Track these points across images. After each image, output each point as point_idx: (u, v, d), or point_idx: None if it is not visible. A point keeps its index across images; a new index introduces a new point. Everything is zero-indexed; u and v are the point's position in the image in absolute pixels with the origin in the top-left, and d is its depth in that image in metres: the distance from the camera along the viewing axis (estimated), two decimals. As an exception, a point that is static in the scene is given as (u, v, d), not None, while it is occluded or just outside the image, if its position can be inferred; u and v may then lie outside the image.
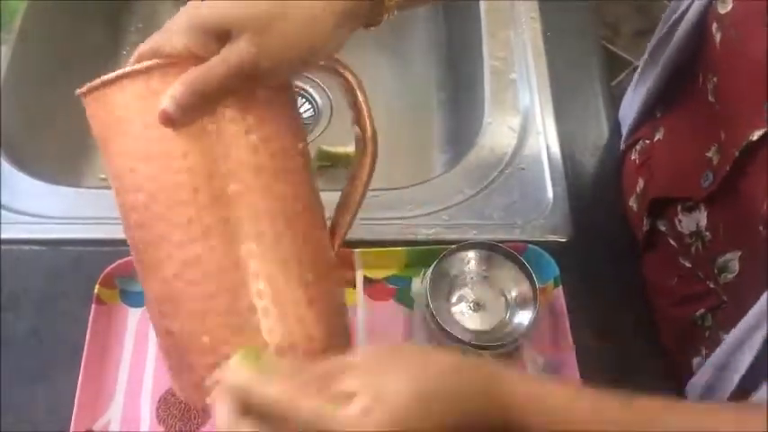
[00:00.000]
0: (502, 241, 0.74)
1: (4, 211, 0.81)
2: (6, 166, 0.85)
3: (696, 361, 0.69)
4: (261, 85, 0.50)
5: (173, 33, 0.48)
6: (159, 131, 0.48)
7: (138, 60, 0.49)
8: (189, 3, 0.49)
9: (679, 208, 0.69)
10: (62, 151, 1.02)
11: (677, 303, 0.71)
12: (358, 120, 0.57)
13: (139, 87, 0.48)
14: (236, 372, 0.45)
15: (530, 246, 0.76)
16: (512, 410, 0.45)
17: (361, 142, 0.58)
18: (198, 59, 0.48)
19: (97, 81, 0.50)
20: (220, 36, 0.47)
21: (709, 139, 0.64)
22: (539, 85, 0.93)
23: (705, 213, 0.65)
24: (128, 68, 0.49)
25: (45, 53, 1.02)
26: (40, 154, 0.96)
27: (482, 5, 1.00)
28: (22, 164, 0.87)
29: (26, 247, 0.79)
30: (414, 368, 0.45)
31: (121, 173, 0.50)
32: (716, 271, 0.65)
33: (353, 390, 0.43)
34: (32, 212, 0.81)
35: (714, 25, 0.61)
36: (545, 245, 0.77)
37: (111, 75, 0.49)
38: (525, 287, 0.72)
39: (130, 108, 0.49)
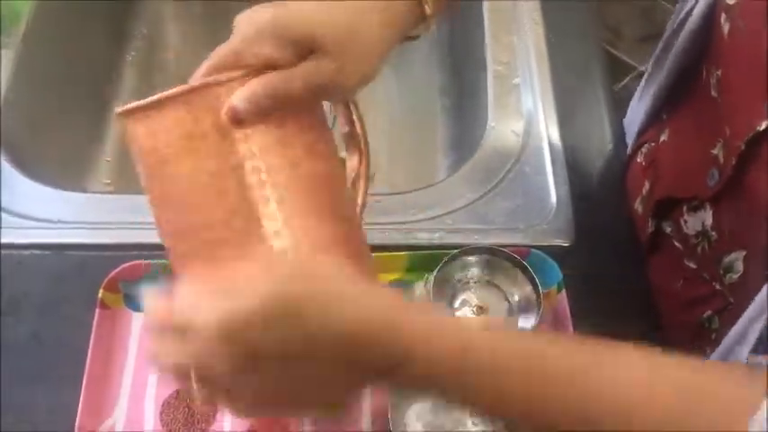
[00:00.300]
0: (505, 246, 0.74)
1: (7, 216, 0.81)
2: (10, 170, 0.85)
3: None
4: (327, 100, 0.52)
5: (254, 39, 0.48)
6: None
7: (212, 67, 0.49)
8: (273, 4, 0.49)
9: (684, 208, 0.69)
10: (66, 156, 1.03)
11: (683, 306, 0.71)
12: (351, 131, 0.57)
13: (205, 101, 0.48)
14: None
15: (533, 250, 0.76)
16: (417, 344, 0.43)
17: (354, 151, 0.58)
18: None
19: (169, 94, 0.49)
20: (304, 48, 0.48)
21: (714, 135, 0.63)
22: (542, 89, 0.93)
23: (711, 212, 0.65)
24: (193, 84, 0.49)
25: (49, 57, 1.02)
26: (44, 158, 0.96)
27: (485, 10, 1.01)
28: (26, 168, 0.87)
29: (29, 252, 0.79)
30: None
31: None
32: (721, 271, 0.65)
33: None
34: (36, 217, 0.81)
35: (723, 16, 0.61)
36: (548, 249, 0.77)
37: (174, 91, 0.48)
38: (528, 292, 0.72)
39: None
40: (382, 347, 0.42)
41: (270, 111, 0.48)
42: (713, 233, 0.65)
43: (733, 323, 0.64)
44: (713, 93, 0.64)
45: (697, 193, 0.66)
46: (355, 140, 0.56)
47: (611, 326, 0.75)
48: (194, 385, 0.43)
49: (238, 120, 0.48)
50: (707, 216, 0.66)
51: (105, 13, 1.17)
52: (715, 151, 0.63)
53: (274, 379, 0.42)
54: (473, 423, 0.68)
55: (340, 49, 0.48)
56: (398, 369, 0.43)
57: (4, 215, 0.81)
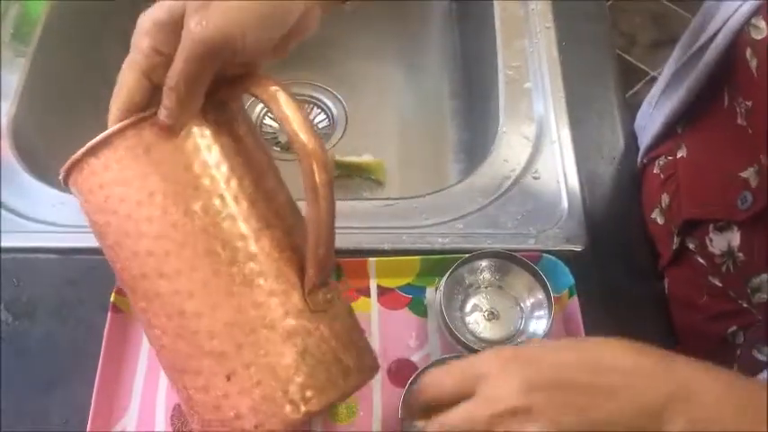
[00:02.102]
0: (516, 250, 0.74)
1: (21, 220, 0.82)
2: (23, 175, 0.86)
3: None
4: (235, 57, 0.48)
5: (136, 44, 0.49)
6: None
7: (119, 108, 0.50)
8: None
9: (711, 227, 0.68)
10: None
11: (708, 320, 0.71)
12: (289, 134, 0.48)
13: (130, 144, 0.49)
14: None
15: (544, 255, 0.75)
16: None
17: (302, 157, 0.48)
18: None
19: (84, 153, 0.51)
20: (175, 22, 0.47)
21: (744, 160, 0.63)
22: (553, 94, 0.92)
23: (738, 234, 0.65)
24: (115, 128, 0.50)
25: (62, 64, 1.03)
26: (57, 163, 0.96)
27: (496, 15, 1.00)
28: (39, 173, 0.87)
29: (42, 256, 0.79)
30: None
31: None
32: (749, 291, 0.64)
33: None
34: (48, 221, 0.82)
35: (748, 51, 0.61)
36: (560, 254, 0.77)
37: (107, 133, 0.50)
38: (540, 296, 0.72)
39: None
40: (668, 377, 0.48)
41: (180, 101, 0.47)
42: (740, 254, 0.65)
43: (759, 340, 0.63)
44: (740, 121, 0.63)
45: (726, 214, 0.66)
46: (298, 153, 0.48)
47: (623, 332, 0.74)
48: None
49: (168, 128, 0.48)
50: (734, 237, 0.65)
51: (118, 19, 1.18)
52: (745, 175, 0.63)
53: None
54: None
55: (200, 6, 0.46)
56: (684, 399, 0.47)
57: (18, 219, 0.82)
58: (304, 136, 0.46)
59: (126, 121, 0.49)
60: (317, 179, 0.47)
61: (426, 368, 0.62)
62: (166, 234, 0.49)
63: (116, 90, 0.50)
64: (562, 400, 0.47)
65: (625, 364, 0.48)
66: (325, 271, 0.51)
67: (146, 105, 0.50)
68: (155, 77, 0.49)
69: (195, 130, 0.50)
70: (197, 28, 0.45)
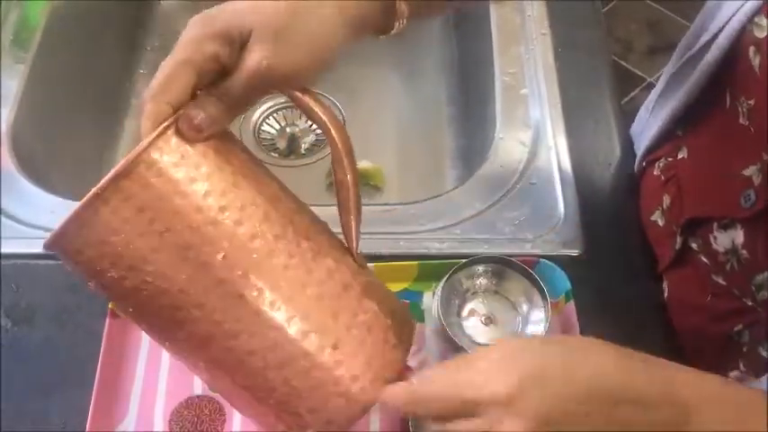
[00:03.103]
0: (513, 255, 0.74)
1: (20, 226, 0.82)
2: (23, 182, 0.86)
3: (734, 375, 0.69)
4: (278, 91, 0.51)
5: (195, 40, 0.48)
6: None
7: (161, 83, 0.48)
8: (197, 16, 0.50)
9: (714, 225, 0.69)
10: (78, 167, 1.04)
11: (711, 320, 0.71)
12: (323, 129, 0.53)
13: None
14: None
15: (541, 260, 0.76)
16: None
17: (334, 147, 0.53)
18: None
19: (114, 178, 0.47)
20: (243, 42, 0.48)
21: (746, 158, 0.63)
22: (549, 100, 0.93)
23: (742, 232, 0.65)
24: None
25: (62, 70, 1.03)
26: (57, 169, 0.97)
27: (493, 22, 1.01)
28: (39, 179, 0.88)
29: (41, 262, 0.79)
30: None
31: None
32: (753, 288, 0.64)
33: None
34: (48, 227, 0.82)
35: (751, 49, 0.61)
36: (556, 259, 0.77)
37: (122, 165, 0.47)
38: (537, 301, 0.72)
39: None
40: (668, 407, 0.47)
41: (225, 112, 0.49)
42: (744, 252, 0.65)
43: (765, 337, 0.64)
44: (742, 120, 0.64)
45: (729, 212, 0.66)
46: (322, 128, 0.53)
47: (620, 336, 0.75)
48: None
49: (200, 131, 0.48)
50: (737, 235, 0.66)
51: (117, 26, 1.19)
52: (748, 173, 0.63)
53: None
54: None
55: (267, 36, 0.48)
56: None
57: (17, 225, 0.82)
58: (327, 112, 0.52)
59: (162, 126, 0.47)
60: (352, 193, 0.53)
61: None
62: (234, 232, 0.49)
63: (161, 84, 0.48)
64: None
65: (627, 395, 0.48)
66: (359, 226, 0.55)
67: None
68: (206, 80, 0.49)
69: (193, 171, 0.48)
70: (263, 62, 0.48)
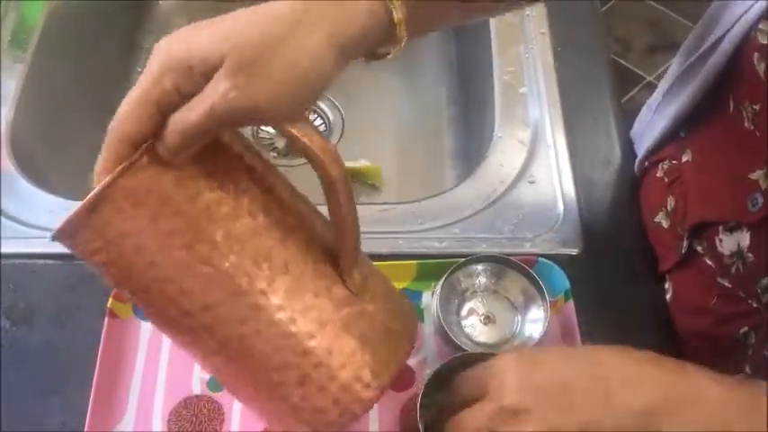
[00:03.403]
0: (512, 254, 0.74)
1: (19, 226, 0.82)
2: (22, 182, 0.86)
3: (739, 377, 0.69)
4: (254, 124, 0.48)
5: (159, 73, 0.44)
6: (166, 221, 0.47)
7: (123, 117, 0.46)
8: (162, 41, 0.46)
9: (720, 228, 0.69)
10: (77, 166, 1.03)
11: (718, 322, 0.71)
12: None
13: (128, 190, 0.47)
14: None
15: (540, 259, 0.76)
16: None
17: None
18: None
19: (79, 213, 0.47)
20: (207, 73, 0.44)
21: (752, 162, 0.63)
22: (549, 99, 0.93)
23: (748, 235, 0.65)
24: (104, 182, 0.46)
25: (60, 69, 1.03)
26: (56, 169, 0.97)
27: (492, 21, 1.01)
28: (38, 179, 0.88)
29: (41, 262, 0.79)
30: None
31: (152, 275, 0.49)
32: (759, 290, 0.64)
33: None
34: (47, 227, 0.82)
35: (755, 55, 0.61)
36: (555, 258, 0.77)
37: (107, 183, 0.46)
38: (536, 300, 0.72)
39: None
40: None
41: (185, 144, 0.45)
42: (750, 255, 0.65)
43: None
44: (747, 125, 0.64)
45: (736, 216, 0.66)
46: (309, 158, 0.48)
47: (619, 336, 0.75)
48: None
49: (164, 161, 0.46)
50: (743, 238, 0.65)
51: (116, 26, 1.18)
52: (755, 176, 0.63)
53: None
54: None
55: (241, 69, 0.43)
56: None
57: (16, 225, 0.82)
58: (313, 138, 0.47)
59: (119, 169, 0.46)
60: (332, 174, 0.47)
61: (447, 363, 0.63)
62: (199, 270, 0.48)
63: (122, 118, 0.46)
64: (560, 402, 0.49)
65: (629, 370, 0.51)
66: (356, 257, 0.52)
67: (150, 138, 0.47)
68: (168, 113, 0.45)
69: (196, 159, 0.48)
70: (229, 94, 0.43)
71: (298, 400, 0.51)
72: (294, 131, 0.46)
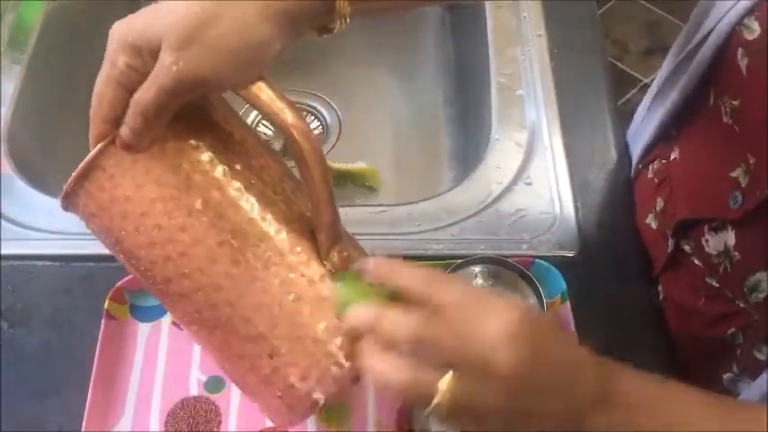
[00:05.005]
0: (509, 256, 0.75)
1: (16, 227, 0.82)
2: (19, 183, 0.86)
3: (727, 377, 0.69)
4: (207, 93, 0.50)
5: (111, 59, 0.48)
6: (151, 187, 0.50)
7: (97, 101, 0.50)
8: (114, 24, 0.49)
9: (705, 228, 0.69)
10: (74, 168, 1.03)
11: (706, 323, 0.71)
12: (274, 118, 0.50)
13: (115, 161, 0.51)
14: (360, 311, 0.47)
15: (536, 260, 0.76)
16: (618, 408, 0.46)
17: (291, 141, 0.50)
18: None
19: (75, 180, 0.52)
20: (152, 51, 0.47)
21: (732, 159, 0.64)
22: (545, 101, 0.93)
23: (733, 233, 0.65)
24: (91, 155, 0.51)
25: (57, 70, 1.03)
26: (54, 171, 0.97)
27: (489, 23, 1.01)
28: (35, 180, 0.88)
29: (38, 263, 0.79)
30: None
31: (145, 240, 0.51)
32: (746, 290, 0.65)
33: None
34: (44, 228, 0.82)
35: (740, 51, 0.61)
36: (552, 260, 0.77)
37: (85, 164, 0.51)
38: (532, 302, 0.72)
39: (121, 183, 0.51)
40: (594, 375, 0.47)
41: (146, 124, 0.48)
42: (736, 253, 0.65)
43: (759, 339, 0.64)
44: (726, 119, 0.64)
45: (719, 214, 0.66)
46: (279, 128, 0.50)
47: (615, 337, 0.75)
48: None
49: (127, 146, 0.49)
50: (729, 237, 0.66)
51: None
52: (735, 174, 0.63)
53: (532, 392, 0.45)
54: None
55: (180, 43, 0.46)
56: (601, 398, 0.46)
57: (13, 227, 0.82)
58: (284, 112, 0.49)
59: (107, 140, 0.50)
60: (303, 148, 0.49)
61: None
62: (177, 237, 0.50)
63: (95, 104, 0.50)
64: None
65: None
66: (335, 233, 0.52)
67: None
68: (133, 90, 0.49)
69: (170, 129, 0.51)
70: (172, 68, 0.46)
71: (269, 371, 0.51)
72: (263, 103, 0.49)
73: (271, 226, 0.51)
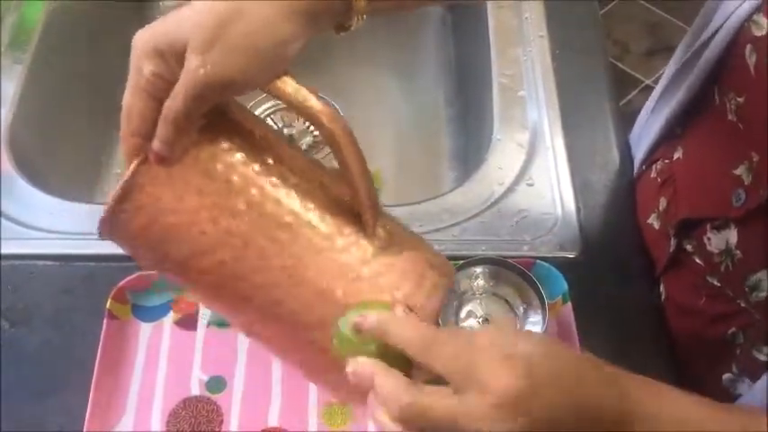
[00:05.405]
0: (510, 257, 0.75)
1: (18, 227, 0.82)
2: (21, 183, 0.86)
3: (727, 377, 0.69)
4: (234, 95, 0.50)
5: (137, 68, 0.48)
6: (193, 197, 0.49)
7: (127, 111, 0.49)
8: (137, 33, 0.49)
9: (708, 227, 0.69)
10: (75, 167, 1.04)
11: (706, 322, 0.71)
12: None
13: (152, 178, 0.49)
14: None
15: (538, 261, 0.76)
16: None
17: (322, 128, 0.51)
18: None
19: (113, 205, 0.49)
20: (177, 55, 0.47)
21: (735, 157, 0.64)
22: (547, 101, 0.93)
23: (735, 231, 0.65)
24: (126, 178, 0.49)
25: (60, 70, 1.03)
26: (54, 170, 0.97)
27: (490, 24, 1.01)
28: (36, 180, 0.88)
29: (39, 263, 0.79)
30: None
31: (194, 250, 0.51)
32: (746, 289, 0.65)
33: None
34: (46, 228, 0.82)
35: (748, 47, 0.61)
36: (553, 261, 0.77)
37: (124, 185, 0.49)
38: (534, 303, 0.72)
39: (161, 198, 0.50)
40: (616, 413, 0.45)
41: (178, 133, 0.48)
42: (737, 252, 0.65)
43: (759, 339, 0.64)
44: (730, 117, 0.64)
45: (722, 212, 0.66)
46: (307, 117, 0.50)
47: (617, 338, 0.75)
48: None
49: (162, 159, 0.48)
50: (731, 235, 0.66)
51: (116, 27, 1.18)
52: (738, 172, 0.63)
53: None
54: None
55: (205, 44, 0.46)
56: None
57: (15, 226, 0.82)
58: (310, 101, 0.49)
59: (139, 159, 0.49)
60: (334, 131, 0.49)
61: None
62: (227, 241, 0.50)
63: (125, 118, 0.49)
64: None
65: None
66: (377, 209, 0.53)
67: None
68: (162, 98, 0.48)
69: (199, 135, 0.50)
70: (199, 71, 0.46)
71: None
72: (285, 94, 0.49)
73: (314, 213, 0.51)
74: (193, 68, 0.46)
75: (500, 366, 0.43)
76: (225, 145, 0.51)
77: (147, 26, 0.48)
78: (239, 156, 0.51)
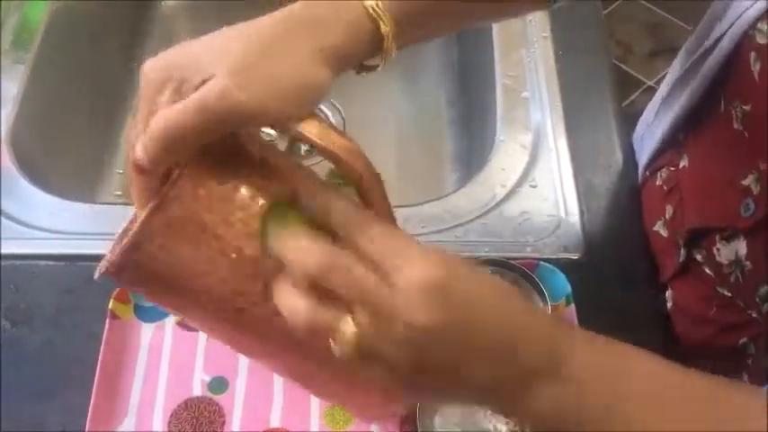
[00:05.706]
0: (513, 258, 0.75)
1: (19, 227, 0.82)
2: (23, 182, 0.86)
3: None
4: (243, 126, 0.47)
5: (154, 90, 0.46)
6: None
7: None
8: (147, 62, 0.47)
9: (717, 237, 0.68)
10: (77, 167, 1.04)
11: (718, 333, 0.70)
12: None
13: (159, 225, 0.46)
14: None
15: (541, 263, 0.76)
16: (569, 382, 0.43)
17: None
18: None
19: (121, 255, 0.46)
20: (198, 84, 0.44)
21: (743, 166, 0.63)
22: (551, 103, 0.93)
23: (745, 243, 0.65)
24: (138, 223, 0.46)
25: (62, 71, 1.03)
26: (56, 170, 0.97)
27: (494, 25, 1.01)
28: (39, 180, 0.88)
29: (41, 263, 0.79)
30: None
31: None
32: (757, 300, 0.64)
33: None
34: (48, 228, 0.82)
35: (752, 55, 0.61)
36: (557, 262, 0.77)
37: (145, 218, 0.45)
38: (537, 304, 0.72)
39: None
40: (545, 344, 0.43)
41: (174, 147, 0.45)
42: (747, 263, 0.65)
43: None
44: (736, 125, 0.64)
45: (731, 222, 0.66)
46: (331, 160, 0.48)
47: (619, 340, 0.75)
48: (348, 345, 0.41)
49: (141, 169, 0.45)
50: (741, 246, 0.65)
51: (118, 27, 1.18)
52: (746, 182, 0.63)
53: (447, 349, 0.40)
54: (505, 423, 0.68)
55: (229, 71, 0.44)
56: (550, 371, 0.42)
57: (16, 226, 0.82)
58: (332, 137, 0.47)
59: (152, 205, 0.45)
60: (363, 174, 0.49)
61: None
62: (247, 288, 0.47)
63: (133, 146, 0.46)
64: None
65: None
66: None
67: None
68: None
69: (213, 174, 0.47)
70: (213, 90, 0.44)
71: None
72: (311, 135, 0.47)
73: None
74: (214, 89, 0.44)
75: (429, 254, 0.41)
76: (244, 190, 0.47)
77: (154, 58, 0.47)
78: (252, 192, 0.47)
